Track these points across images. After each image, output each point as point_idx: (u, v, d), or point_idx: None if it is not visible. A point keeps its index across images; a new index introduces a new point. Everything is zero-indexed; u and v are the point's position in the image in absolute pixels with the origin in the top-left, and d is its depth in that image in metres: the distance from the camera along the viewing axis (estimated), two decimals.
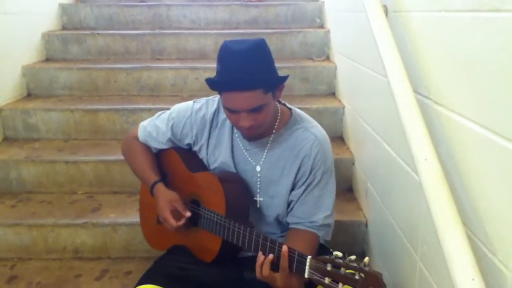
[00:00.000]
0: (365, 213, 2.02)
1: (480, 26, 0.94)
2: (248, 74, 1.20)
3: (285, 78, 1.31)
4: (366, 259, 1.02)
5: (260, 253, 1.21)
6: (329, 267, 1.05)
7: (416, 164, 1.06)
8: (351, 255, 1.04)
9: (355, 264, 1.02)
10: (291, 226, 1.42)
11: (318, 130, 1.41)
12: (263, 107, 1.25)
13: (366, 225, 1.98)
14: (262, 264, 1.20)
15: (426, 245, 1.25)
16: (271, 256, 1.19)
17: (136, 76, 2.75)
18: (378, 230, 1.83)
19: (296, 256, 1.14)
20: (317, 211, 1.38)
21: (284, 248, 1.16)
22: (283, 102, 1.47)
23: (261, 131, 1.34)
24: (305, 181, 1.38)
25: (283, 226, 1.47)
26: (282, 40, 2.97)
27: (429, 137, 1.08)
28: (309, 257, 1.11)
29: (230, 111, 1.27)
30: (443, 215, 0.96)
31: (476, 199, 0.98)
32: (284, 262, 1.16)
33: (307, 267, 1.11)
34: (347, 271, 1.02)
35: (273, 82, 1.27)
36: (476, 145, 0.97)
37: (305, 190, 1.38)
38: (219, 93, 1.30)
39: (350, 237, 2.00)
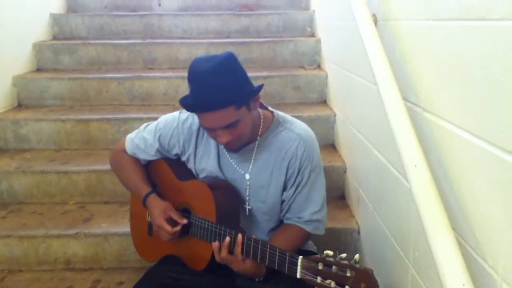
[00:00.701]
0: (357, 220, 2.03)
1: (466, 34, 0.96)
2: (216, 94, 1.20)
3: (257, 90, 1.30)
4: (357, 256, 1.03)
5: (216, 242, 1.30)
6: (320, 266, 1.06)
7: (406, 171, 1.07)
8: (342, 253, 1.05)
9: (346, 262, 1.03)
10: (284, 222, 1.45)
11: (302, 129, 1.42)
12: (238, 122, 1.25)
13: (359, 232, 1.98)
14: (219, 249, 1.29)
15: (417, 251, 1.26)
16: (228, 239, 1.27)
17: (128, 85, 2.75)
18: (371, 237, 1.84)
19: (287, 257, 1.15)
20: (305, 208, 1.41)
21: (239, 236, 1.25)
22: (265, 105, 1.47)
23: (241, 142, 1.35)
24: (294, 181, 1.40)
25: (272, 230, 1.48)
26: (274, 49, 2.99)
27: (418, 144, 1.09)
28: (300, 257, 1.13)
29: (207, 129, 1.30)
30: (433, 221, 0.96)
31: (466, 205, 0.99)
32: (237, 248, 1.25)
33: (298, 267, 1.12)
34: (339, 269, 1.03)
35: (242, 96, 1.26)
36: (465, 152, 0.98)
37: (295, 190, 1.40)
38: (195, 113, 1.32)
39: (343, 244, 2.00)
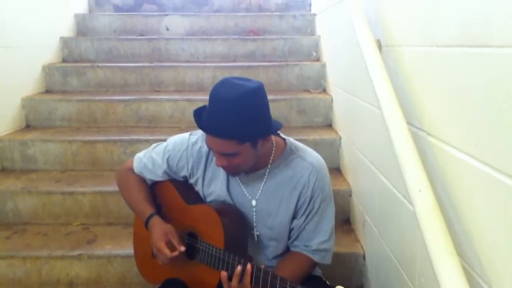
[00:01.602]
0: (362, 245, 2.01)
1: (468, 60, 0.97)
2: (222, 124, 1.20)
3: (268, 132, 1.30)
4: None
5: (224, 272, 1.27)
6: None
7: (411, 196, 1.07)
8: (333, 279, 1.05)
9: None
10: (291, 249, 1.44)
11: (314, 158, 1.42)
12: (237, 154, 1.25)
13: (364, 257, 1.96)
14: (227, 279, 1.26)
15: (423, 277, 1.24)
16: (239, 268, 1.25)
17: (135, 107, 2.78)
18: (376, 262, 1.82)
19: (287, 286, 1.16)
20: (314, 237, 1.40)
21: (248, 266, 1.23)
22: (277, 132, 1.47)
23: (239, 171, 1.35)
24: (305, 211, 1.39)
25: (279, 256, 1.47)
26: (279, 73, 3.02)
27: (423, 169, 1.09)
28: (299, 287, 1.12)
29: (208, 147, 1.31)
30: (438, 246, 0.95)
31: (471, 231, 0.98)
32: (246, 278, 1.24)
33: None
34: None
35: (251, 134, 1.24)
36: (468, 177, 0.98)
37: (305, 219, 1.40)
38: None
39: (348, 270, 1.98)
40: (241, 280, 1.25)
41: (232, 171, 1.35)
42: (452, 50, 1.04)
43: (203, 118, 1.27)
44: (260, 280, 1.23)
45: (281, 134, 1.48)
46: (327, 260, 1.43)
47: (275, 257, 1.47)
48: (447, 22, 1.07)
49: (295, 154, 1.42)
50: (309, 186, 1.37)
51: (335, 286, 1.09)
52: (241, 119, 1.20)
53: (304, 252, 1.40)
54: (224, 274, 1.26)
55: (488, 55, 0.88)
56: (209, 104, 1.25)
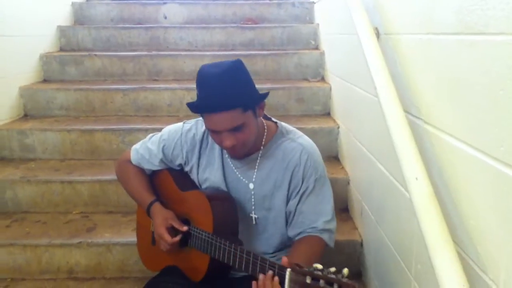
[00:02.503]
0: (360, 233, 2.02)
1: (465, 48, 0.97)
2: (224, 95, 1.22)
3: (263, 95, 1.33)
4: (345, 270, 1.02)
5: (261, 275, 1.17)
6: (308, 280, 1.05)
7: (407, 184, 1.07)
8: (331, 267, 1.05)
9: (333, 276, 1.03)
10: (295, 239, 1.42)
11: (304, 139, 1.43)
12: (244, 126, 1.27)
13: (362, 245, 1.98)
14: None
15: (420, 264, 1.26)
16: (270, 273, 1.16)
17: (133, 97, 2.78)
18: (373, 249, 1.83)
19: (276, 270, 1.14)
20: (318, 217, 1.39)
21: (270, 272, 1.14)
22: (268, 116, 1.49)
23: (246, 149, 1.36)
24: (299, 191, 1.39)
25: (276, 246, 1.47)
26: (278, 62, 3.02)
27: (419, 157, 1.10)
28: (288, 269, 1.11)
29: (213, 131, 1.31)
30: (434, 234, 0.97)
31: (467, 218, 0.99)
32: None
33: (286, 280, 1.11)
34: (326, 283, 1.03)
35: (250, 100, 1.28)
36: (465, 164, 0.99)
37: (300, 199, 1.39)
38: (201, 116, 1.34)
39: (346, 257, 2.00)
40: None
41: (240, 152, 1.34)
42: (449, 38, 1.04)
43: (199, 104, 1.27)
44: (243, 261, 1.23)
45: (273, 119, 1.49)
46: (332, 241, 1.41)
47: (272, 242, 1.47)
48: (444, 9, 1.06)
49: (285, 136, 1.43)
50: (300, 166, 1.38)
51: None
52: (237, 87, 1.24)
53: (313, 234, 1.38)
54: (255, 283, 1.19)
55: (484, 43, 0.88)
56: (200, 88, 1.26)
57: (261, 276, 1.16)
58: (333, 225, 1.41)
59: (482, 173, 0.91)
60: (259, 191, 1.43)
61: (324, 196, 1.42)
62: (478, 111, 0.92)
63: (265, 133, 1.42)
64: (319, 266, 1.06)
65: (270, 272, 1.15)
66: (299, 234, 1.40)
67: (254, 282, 1.18)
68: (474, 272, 0.95)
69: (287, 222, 1.44)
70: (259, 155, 1.42)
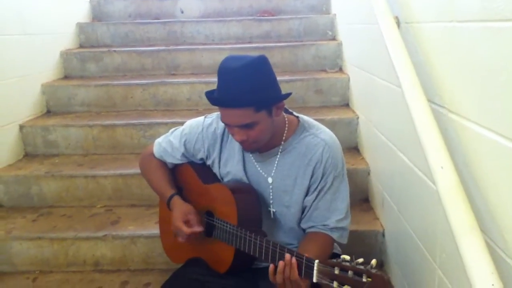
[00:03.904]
0: (382, 223, 2.02)
1: (491, 35, 0.96)
2: (237, 92, 1.22)
3: (282, 97, 1.31)
4: (373, 261, 1.03)
5: (280, 262, 1.20)
6: (336, 271, 1.06)
7: (433, 173, 1.07)
8: (359, 258, 1.06)
9: (362, 267, 1.03)
10: (306, 231, 1.43)
11: (327, 134, 1.42)
12: (255, 124, 1.27)
13: (383, 235, 1.98)
14: (275, 273, 1.20)
15: (444, 253, 1.26)
16: (287, 256, 1.18)
17: (152, 91, 2.81)
18: (396, 239, 1.83)
19: (304, 261, 1.15)
20: (330, 215, 1.39)
21: (287, 256, 1.17)
22: (290, 110, 1.48)
23: (257, 146, 1.36)
24: (317, 187, 1.39)
25: (299, 236, 1.48)
26: (295, 53, 3.01)
27: (444, 146, 1.09)
28: (316, 261, 1.12)
29: (225, 124, 1.32)
30: (461, 222, 0.96)
31: (493, 206, 0.99)
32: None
33: (315, 271, 1.12)
34: (355, 274, 1.03)
35: (264, 100, 1.26)
36: (491, 152, 0.98)
37: (317, 195, 1.39)
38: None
39: (367, 247, 2.00)
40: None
41: (250, 146, 1.35)
42: (474, 25, 1.03)
43: (215, 95, 1.29)
44: (270, 253, 1.24)
45: (294, 112, 1.48)
46: (344, 239, 1.43)
47: (294, 235, 1.48)
48: None
49: (307, 131, 1.42)
50: (322, 163, 1.37)
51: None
52: (253, 86, 1.23)
53: (323, 231, 1.39)
54: (272, 267, 1.22)
55: (511, 29, 0.87)
56: (219, 79, 1.27)
57: (281, 262, 1.18)
58: (345, 223, 1.41)
59: (508, 160, 0.91)
60: (279, 186, 1.43)
61: (340, 194, 1.41)
62: (503, 98, 0.92)
63: (286, 128, 1.42)
64: (347, 257, 1.07)
65: (288, 256, 1.17)
66: (311, 227, 1.41)
67: (272, 266, 1.21)
68: (502, 259, 0.94)
69: (301, 214, 1.45)
70: (280, 150, 1.42)
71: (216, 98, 1.28)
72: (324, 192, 1.39)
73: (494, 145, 0.95)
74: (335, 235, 1.39)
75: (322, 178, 1.38)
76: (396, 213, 1.75)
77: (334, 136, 1.43)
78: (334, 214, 1.39)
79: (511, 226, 0.92)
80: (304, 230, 1.45)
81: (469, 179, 1.08)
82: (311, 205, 1.40)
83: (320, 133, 1.41)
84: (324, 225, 1.39)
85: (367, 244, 2.00)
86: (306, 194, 1.41)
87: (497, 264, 0.90)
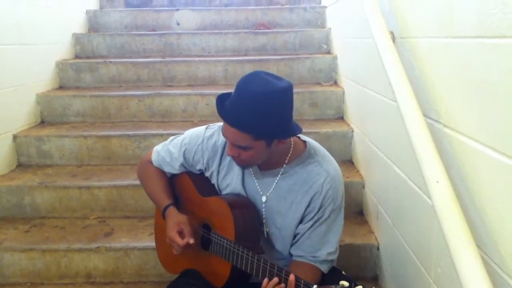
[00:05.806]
0: (376, 236, 2.02)
1: (487, 51, 0.97)
2: (243, 114, 1.21)
3: (285, 135, 1.30)
4: None
5: (265, 279, 1.22)
6: None
7: (428, 187, 1.08)
8: (360, 281, 1.06)
9: None
10: (294, 258, 1.41)
11: (331, 165, 1.40)
12: (249, 148, 1.26)
13: (378, 248, 1.98)
14: None
15: (439, 268, 1.25)
16: (275, 279, 1.20)
17: (148, 102, 2.81)
18: (391, 253, 1.83)
19: (302, 285, 1.15)
20: (321, 247, 1.37)
21: (291, 277, 1.17)
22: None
23: (247, 165, 1.36)
24: (313, 217, 1.37)
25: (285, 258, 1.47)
26: (291, 66, 3.03)
27: (440, 160, 1.10)
28: (315, 285, 1.12)
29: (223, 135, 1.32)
30: (457, 237, 0.96)
31: (489, 221, 0.99)
32: None
33: None
34: None
35: (266, 133, 1.25)
36: (487, 167, 0.99)
37: (312, 225, 1.37)
38: None
39: (362, 261, 1.99)
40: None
41: (241, 164, 1.35)
42: (470, 41, 1.04)
43: (225, 106, 1.27)
44: (267, 274, 1.24)
45: (302, 137, 1.46)
46: (328, 269, 1.41)
47: (282, 256, 1.47)
48: (465, 12, 1.07)
49: (312, 158, 1.40)
50: (321, 193, 1.35)
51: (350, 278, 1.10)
52: (261, 116, 1.21)
53: (312, 263, 1.37)
54: (266, 281, 1.23)
55: (507, 46, 0.89)
56: (234, 93, 1.25)
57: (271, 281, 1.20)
58: (334, 257, 1.41)
59: (504, 175, 0.91)
60: (272, 207, 1.41)
61: (335, 227, 1.40)
62: (499, 114, 0.92)
63: (291, 151, 1.39)
64: (346, 284, 1.07)
65: (275, 279, 1.19)
66: (300, 256, 1.39)
67: (265, 280, 1.22)
68: (498, 275, 0.94)
69: (293, 240, 1.43)
70: (281, 171, 1.40)
71: (223, 109, 1.27)
72: (319, 223, 1.37)
73: (490, 160, 0.96)
74: (323, 268, 1.38)
75: (319, 209, 1.36)
76: (391, 227, 1.75)
77: (338, 167, 1.41)
78: (325, 247, 1.38)
79: (507, 241, 0.92)
80: (291, 255, 1.43)
81: (465, 194, 1.08)
82: (304, 233, 1.39)
83: (324, 163, 1.39)
84: (314, 257, 1.38)
85: (361, 257, 1.99)
86: (300, 222, 1.39)
87: (493, 280, 0.90)
